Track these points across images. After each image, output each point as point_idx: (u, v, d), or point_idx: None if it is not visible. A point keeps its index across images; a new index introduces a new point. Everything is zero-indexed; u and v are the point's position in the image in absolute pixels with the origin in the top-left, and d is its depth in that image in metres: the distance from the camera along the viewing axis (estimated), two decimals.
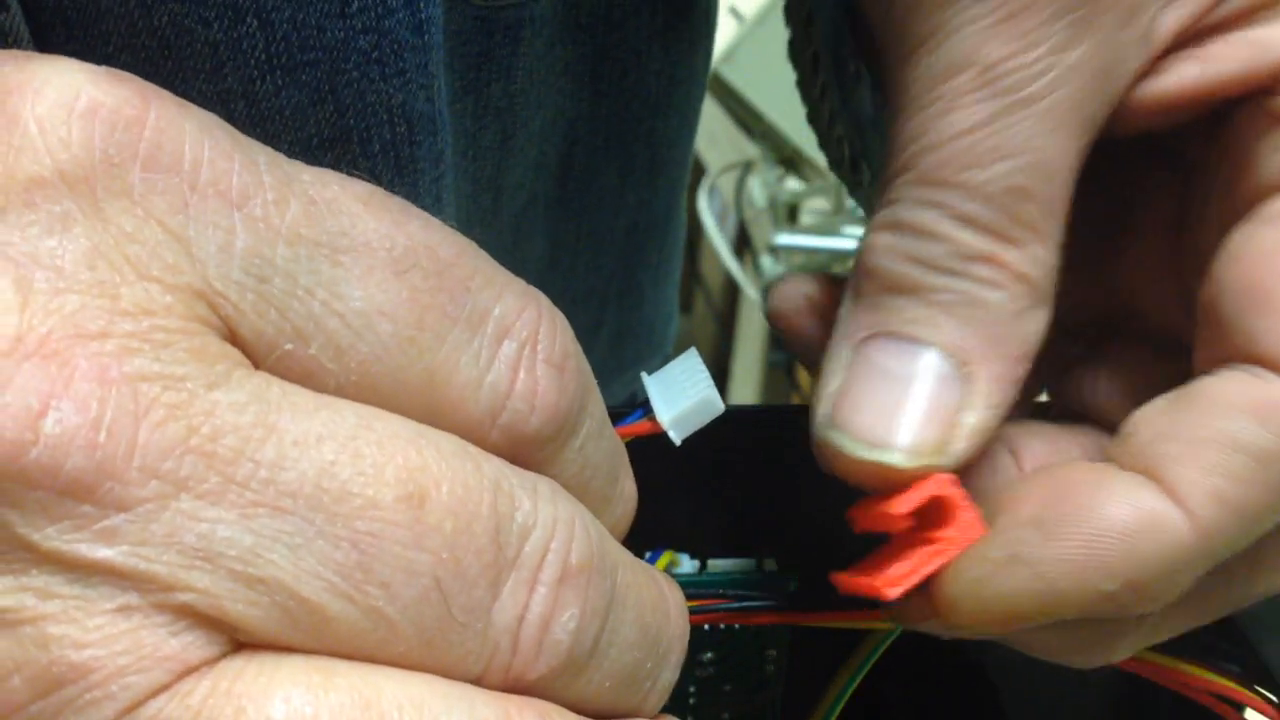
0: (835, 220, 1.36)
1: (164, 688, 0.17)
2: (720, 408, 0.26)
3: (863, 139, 0.33)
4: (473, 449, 0.20)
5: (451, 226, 0.21)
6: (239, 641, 0.18)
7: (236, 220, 0.18)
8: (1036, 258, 0.25)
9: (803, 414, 0.27)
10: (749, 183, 1.46)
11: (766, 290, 0.31)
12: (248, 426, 0.17)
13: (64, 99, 0.18)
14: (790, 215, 1.42)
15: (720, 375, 1.61)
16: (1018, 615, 0.24)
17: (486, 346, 0.21)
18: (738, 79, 1.43)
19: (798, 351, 0.30)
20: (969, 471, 0.26)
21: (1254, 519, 0.23)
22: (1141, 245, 0.29)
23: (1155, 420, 0.24)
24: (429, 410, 0.20)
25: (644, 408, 0.27)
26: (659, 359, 0.52)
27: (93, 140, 0.18)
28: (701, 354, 0.27)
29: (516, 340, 0.21)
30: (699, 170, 1.58)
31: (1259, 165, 0.25)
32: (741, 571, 0.32)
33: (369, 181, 0.21)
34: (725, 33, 1.45)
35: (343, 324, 0.19)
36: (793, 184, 1.46)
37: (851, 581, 0.25)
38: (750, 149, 1.47)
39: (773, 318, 0.30)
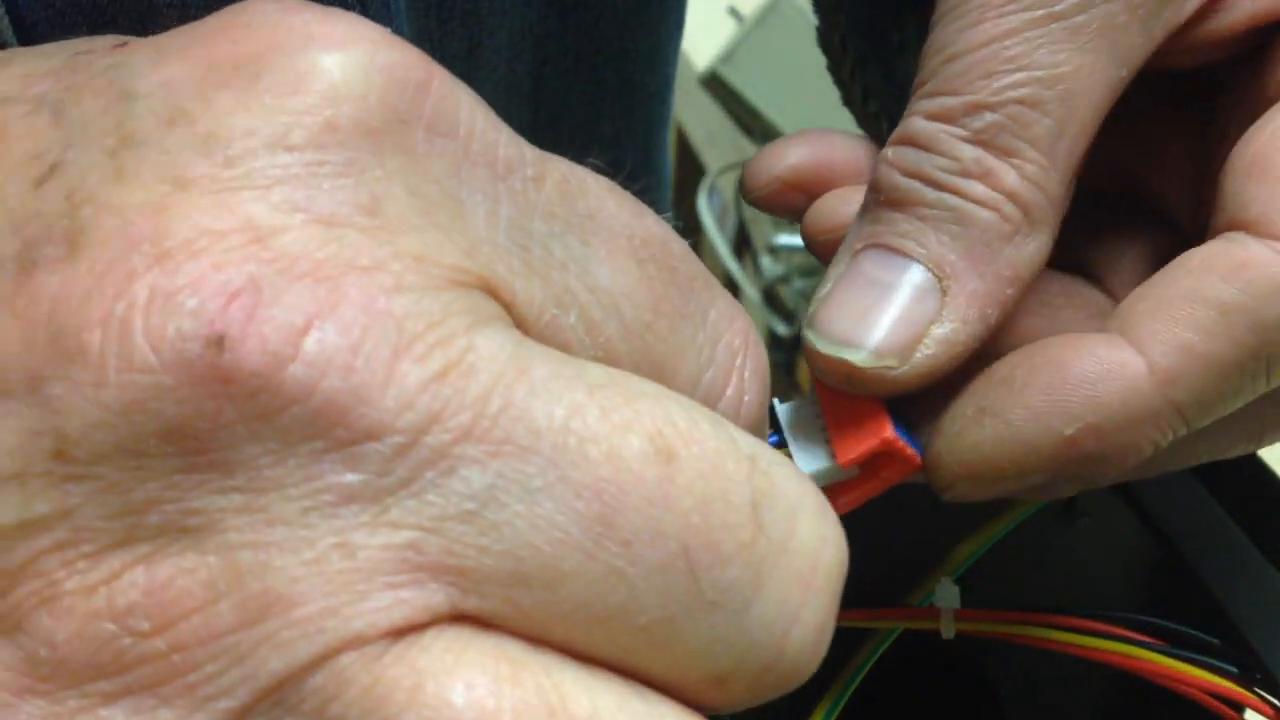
0: None
1: (362, 641, 0.16)
2: (855, 472, 0.26)
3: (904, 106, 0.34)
4: (727, 421, 0.19)
5: None
6: (449, 612, 0.17)
7: (500, 190, 0.19)
8: (1035, 180, 0.25)
9: None
10: None
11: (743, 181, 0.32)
12: (502, 369, 0.17)
13: (364, 53, 0.18)
14: None
15: None
16: (992, 467, 0.25)
17: (707, 346, 0.21)
18: (737, 79, 1.43)
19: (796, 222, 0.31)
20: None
21: (1220, 373, 0.24)
22: (1168, 146, 0.30)
23: (1141, 288, 0.25)
24: None
25: (775, 435, 0.26)
26: None
27: (388, 96, 0.18)
28: None
29: (730, 346, 0.21)
30: (699, 170, 1.58)
31: None
32: None
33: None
34: (725, 33, 1.45)
35: (594, 299, 0.19)
36: None
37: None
38: (750, 149, 1.47)
39: (755, 200, 0.31)
